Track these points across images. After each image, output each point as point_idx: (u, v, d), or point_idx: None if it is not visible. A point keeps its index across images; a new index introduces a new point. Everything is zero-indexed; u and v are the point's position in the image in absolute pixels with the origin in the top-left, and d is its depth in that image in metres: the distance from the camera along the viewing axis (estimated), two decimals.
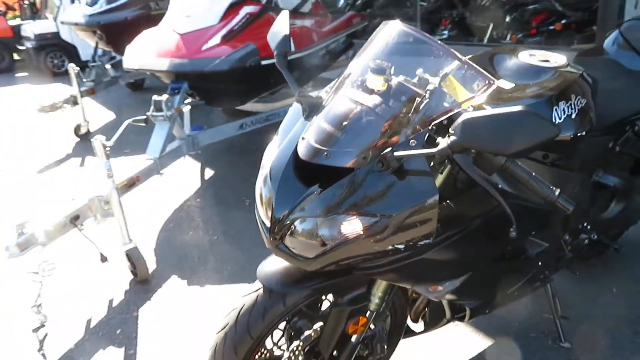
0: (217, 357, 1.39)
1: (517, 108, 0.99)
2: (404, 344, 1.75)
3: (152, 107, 3.14)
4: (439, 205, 1.17)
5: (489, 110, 1.00)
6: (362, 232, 1.15)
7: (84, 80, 5.47)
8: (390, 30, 1.32)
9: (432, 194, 1.12)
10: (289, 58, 1.49)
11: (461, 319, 1.62)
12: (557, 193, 1.13)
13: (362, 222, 1.14)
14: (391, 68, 1.27)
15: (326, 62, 4.82)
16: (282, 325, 1.50)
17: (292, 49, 3.74)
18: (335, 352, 1.49)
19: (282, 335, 1.51)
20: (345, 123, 1.22)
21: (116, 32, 5.64)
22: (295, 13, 4.65)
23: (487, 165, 1.15)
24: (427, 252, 1.24)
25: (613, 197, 2.08)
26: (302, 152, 1.22)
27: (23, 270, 2.20)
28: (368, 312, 1.44)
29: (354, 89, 1.27)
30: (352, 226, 1.15)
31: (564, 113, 1.40)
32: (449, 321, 1.65)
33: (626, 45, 2.09)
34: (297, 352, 1.46)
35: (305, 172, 1.24)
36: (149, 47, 3.50)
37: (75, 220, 2.41)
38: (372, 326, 1.54)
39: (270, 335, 1.47)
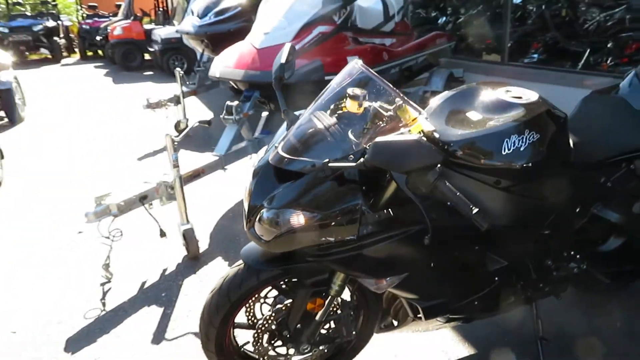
0: (205, 312, 1.75)
1: (413, 137, 1.23)
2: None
3: (224, 111, 3.63)
4: (382, 209, 1.44)
5: (392, 137, 1.26)
6: (304, 224, 1.45)
7: (188, 82, 6.22)
8: (353, 67, 1.61)
9: (355, 200, 1.39)
10: None
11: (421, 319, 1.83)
12: (474, 211, 1.34)
13: (304, 216, 1.45)
14: (365, 95, 1.55)
15: (400, 80, 5.04)
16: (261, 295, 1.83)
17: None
18: (299, 326, 1.78)
19: (260, 304, 1.84)
20: (305, 138, 1.53)
21: (220, 41, 6.30)
22: (373, 32, 4.95)
23: (419, 182, 1.39)
24: (367, 249, 1.50)
25: (612, 232, 2.14)
26: (271, 158, 1.55)
27: (97, 236, 2.73)
28: (329, 297, 1.72)
29: (319, 110, 1.57)
30: (298, 219, 1.45)
31: (514, 145, 1.57)
32: (414, 320, 1.86)
33: (638, 86, 2.15)
34: (269, 321, 1.78)
35: (282, 174, 1.56)
36: (230, 59, 4.02)
37: (143, 199, 2.93)
38: (339, 311, 1.82)
39: (248, 303, 1.80)
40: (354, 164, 1.34)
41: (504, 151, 1.57)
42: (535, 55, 6.35)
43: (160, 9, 14.15)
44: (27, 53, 14.87)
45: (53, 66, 14.04)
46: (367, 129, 1.50)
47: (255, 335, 1.79)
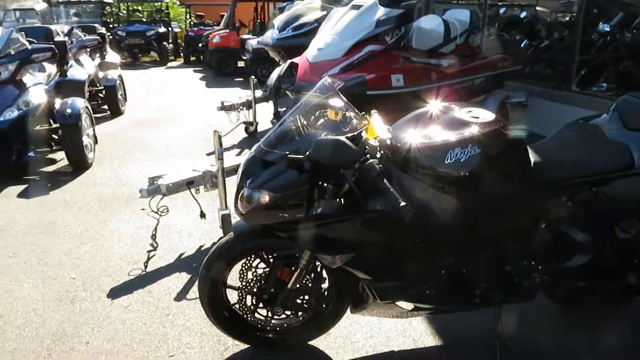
0: (201, 271, 2.18)
1: (339, 137, 1.58)
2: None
3: (273, 116, 4.10)
4: (336, 198, 1.80)
5: (325, 137, 1.61)
6: (268, 202, 1.83)
7: (263, 89, 6.81)
8: (323, 84, 1.97)
9: (303, 185, 1.76)
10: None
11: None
12: (400, 205, 1.66)
13: (269, 196, 1.83)
14: (342, 107, 1.93)
15: (452, 98, 5.23)
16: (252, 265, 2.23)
17: (401, 84, 4.34)
18: (273, 291, 2.15)
19: (248, 271, 2.24)
20: (280, 135, 1.92)
21: (295, 53, 6.83)
22: (430, 52, 5.21)
23: (364, 178, 1.74)
24: (319, 228, 1.86)
25: (578, 250, 2.29)
26: (255, 149, 1.96)
27: (148, 211, 3.27)
28: (299, 269, 2.09)
29: (295, 115, 1.95)
30: (264, 197, 1.84)
31: (456, 156, 1.86)
32: (374, 300, 2.16)
33: (617, 117, 2.29)
34: (251, 285, 2.18)
35: (267, 163, 1.96)
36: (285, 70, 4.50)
37: (190, 184, 3.45)
38: (309, 284, 2.18)
39: (241, 268, 2.20)
40: (302, 157, 1.72)
41: (447, 160, 1.86)
42: (605, 84, 6.24)
43: (258, 21, 15.17)
44: (139, 55, 16.62)
45: (159, 68, 15.51)
46: (328, 131, 1.86)
47: (240, 295, 2.20)
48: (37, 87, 5.19)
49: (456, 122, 1.98)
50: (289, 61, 2.16)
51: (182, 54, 18.04)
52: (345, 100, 1.91)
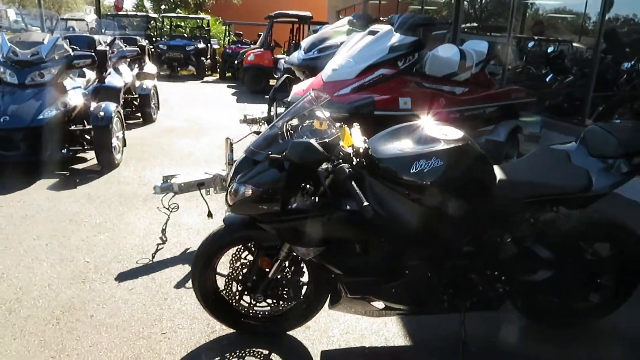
0: (194, 257, 2.44)
1: (309, 141, 1.84)
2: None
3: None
4: (311, 196, 2.05)
5: (299, 140, 1.87)
6: (250, 195, 2.09)
7: (284, 106, 7.14)
8: (307, 97, 2.24)
9: (279, 183, 2.01)
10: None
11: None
12: (363, 205, 1.89)
13: (251, 190, 2.09)
14: (327, 117, 2.19)
15: (461, 125, 5.41)
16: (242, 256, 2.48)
17: (408, 106, 4.57)
18: (255, 278, 2.40)
19: (236, 260, 2.49)
20: (268, 138, 2.18)
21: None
22: (443, 79, 5.44)
23: (336, 179, 1.99)
24: (295, 222, 2.10)
25: (542, 265, 2.46)
26: (246, 150, 2.23)
27: (159, 207, 3.57)
28: (279, 260, 2.33)
29: (281, 121, 2.22)
30: (248, 191, 2.11)
31: (420, 167, 2.08)
32: (347, 296, 2.38)
33: (583, 144, 2.48)
34: (236, 272, 2.43)
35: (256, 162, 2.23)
36: (302, 88, 4.79)
37: (201, 185, 3.74)
38: (288, 275, 2.42)
39: (231, 256, 2.45)
40: (280, 157, 1.98)
41: (412, 170, 2.09)
42: (619, 120, 6.32)
43: (293, 42, 15.69)
44: (178, 68, 17.34)
45: (195, 82, 16.12)
46: (307, 136, 2.12)
47: (227, 282, 2.45)
48: (75, 91, 5.64)
49: (426, 137, 2.21)
50: (284, 75, 2.43)
51: (218, 70, 18.70)
52: (323, 111, 2.16)
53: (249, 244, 2.43)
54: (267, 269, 2.37)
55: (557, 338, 2.65)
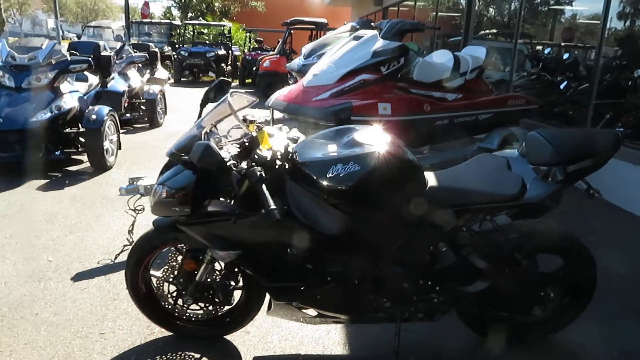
0: (129, 252, 2.45)
1: (208, 142, 1.82)
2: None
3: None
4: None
5: (201, 142, 1.86)
6: (165, 196, 2.09)
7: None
8: (225, 101, 2.22)
9: (190, 185, 2.00)
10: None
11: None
12: (269, 207, 1.87)
13: (166, 191, 2.09)
14: (255, 121, 2.19)
15: (452, 131, 5.31)
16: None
17: (387, 112, 4.51)
18: (182, 280, 2.39)
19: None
20: (186, 141, 2.18)
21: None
22: (433, 86, 5.36)
23: (248, 181, 1.97)
24: (208, 224, 2.09)
25: (478, 276, 2.37)
26: (167, 153, 2.23)
27: (125, 209, 3.61)
28: (205, 263, 2.32)
29: (201, 125, 2.21)
30: (163, 192, 2.11)
31: (337, 171, 2.04)
32: (276, 302, 2.34)
33: (523, 151, 2.39)
34: (167, 273, 2.43)
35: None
36: (283, 92, 4.79)
37: None
38: (218, 279, 2.40)
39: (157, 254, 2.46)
40: (187, 157, 1.97)
41: (329, 174, 2.05)
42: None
43: None
44: (200, 74, 17.64)
45: None
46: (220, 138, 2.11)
47: (158, 283, 2.45)
48: (71, 94, 5.78)
49: (352, 141, 2.16)
50: (220, 79, 2.41)
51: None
52: (236, 113, 2.14)
53: (180, 246, 2.43)
54: (195, 272, 2.36)
55: (502, 352, 2.56)
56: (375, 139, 2.18)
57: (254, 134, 2.13)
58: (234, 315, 2.54)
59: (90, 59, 5.98)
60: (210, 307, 2.49)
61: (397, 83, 4.87)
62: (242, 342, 2.61)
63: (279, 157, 2.12)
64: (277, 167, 2.14)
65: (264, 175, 1.97)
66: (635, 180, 4.87)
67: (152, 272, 2.51)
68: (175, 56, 17.53)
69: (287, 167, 2.15)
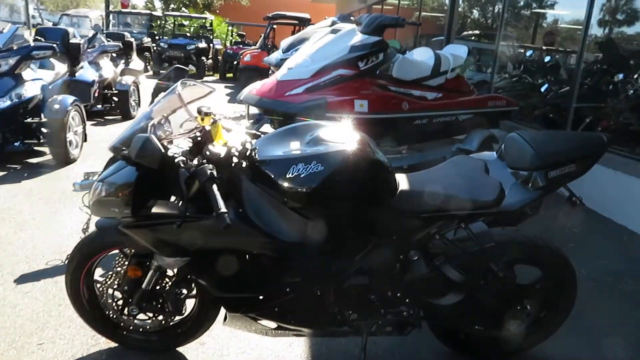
0: (69, 256, 2.22)
1: (149, 135, 1.61)
2: None
3: None
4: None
5: (141, 135, 1.64)
6: (104, 195, 1.87)
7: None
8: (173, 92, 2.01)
9: (130, 181, 1.78)
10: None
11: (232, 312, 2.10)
12: (220, 211, 1.66)
13: (104, 190, 1.87)
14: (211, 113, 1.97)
15: (430, 131, 5.14)
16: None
17: (364, 109, 4.32)
18: (126, 288, 2.16)
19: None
20: (129, 135, 1.96)
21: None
22: (413, 83, 5.18)
23: (197, 181, 1.76)
24: (151, 228, 1.87)
25: (452, 288, 2.20)
26: (109, 147, 2.01)
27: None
28: (151, 270, 2.09)
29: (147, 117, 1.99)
30: (102, 191, 1.88)
31: (297, 171, 1.83)
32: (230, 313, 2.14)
33: (502, 154, 2.22)
34: (110, 279, 2.20)
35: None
36: (257, 86, 4.57)
37: None
38: (167, 287, 2.18)
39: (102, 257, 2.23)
40: (126, 152, 1.75)
41: (288, 175, 1.84)
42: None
43: None
44: None
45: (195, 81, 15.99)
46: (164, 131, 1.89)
47: (101, 290, 2.22)
48: (34, 82, 5.47)
49: (317, 139, 1.97)
50: (175, 66, 2.22)
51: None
52: (186, 105, 1.93)
53: (127, 250, 2.21)
54: (142, 279, 2.14)
55: None
56: (343, 136, 1.98)
57: (208, 128, 1.92)
58: (187, 326, 2.32)
59: (55, 45, 5.67)
60: (160, 317, 2.27)
61: (376, 80, 4.68)
62: (195, 354, 2.40)
63: (235, 153, 1.91)
64: (232, 165, 1.93)
65: (215, 174, 1.76)
66: (615, 186, 4.77)
67: (95, 277, 2.29)
68: (155, 48, 17.13)
69: (244, 165, 1.95)
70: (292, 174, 1.84)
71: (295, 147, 1.96)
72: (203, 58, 17.12)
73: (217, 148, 1.87)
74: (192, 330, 2.33)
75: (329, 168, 1.85)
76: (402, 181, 2.10)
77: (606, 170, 4.80)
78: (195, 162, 1.80)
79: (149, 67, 16.91)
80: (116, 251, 2.25)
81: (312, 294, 2.05)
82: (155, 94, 2.25)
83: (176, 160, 1.78)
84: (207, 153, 1.84)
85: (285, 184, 1.85)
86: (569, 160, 2.06)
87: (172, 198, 2.01)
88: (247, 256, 1.95)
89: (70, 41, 6.87)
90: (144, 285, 2.13)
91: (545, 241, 2.26)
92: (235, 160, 1.94)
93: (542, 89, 8.51)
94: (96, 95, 7.36)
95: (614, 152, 5.07)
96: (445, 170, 2.22)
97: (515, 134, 2.16)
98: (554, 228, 4.00)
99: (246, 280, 1.98)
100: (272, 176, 1.87)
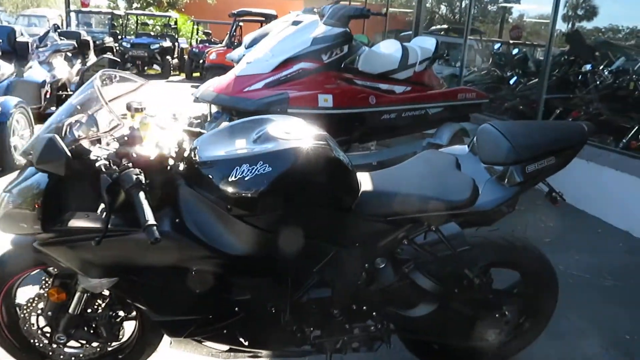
0: None
1: (52, 135, 1.34)
2: None
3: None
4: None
5: (44, 135, 1.37)
6: (11, 208, 1.58)
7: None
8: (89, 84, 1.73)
9: (39, 190, 1.50)
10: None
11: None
12: (147, 224, 1.39)
13: (11, 203, 1.58)
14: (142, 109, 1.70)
15: (400, 126, 4.94)
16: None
17: (329, 104, 4.09)
18: (50, 314, 1.87)
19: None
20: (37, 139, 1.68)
21: None
22: (380, 77, 4.96)
23: (121, 187, 1.49)
24: (70, 244, 1.59)
25: (423, 297, 1.98)
26: (20, 153, 1.71)
27: None
28: (77, 293, 1.81)
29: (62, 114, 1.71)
30: (8, 203, 1.59)
31: (241, 174, 1.58)
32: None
33: (474, 148, 2.01)
34: (33, 303, 1.90)
35: None
36: (214, 83, 4.28)
37: None
38: (99, 309, 1.90)
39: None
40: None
41: (231, 177, 1.59)
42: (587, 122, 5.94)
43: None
44: (144, 67, 16.74)
45: (160, 81, 15.51)
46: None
47: (22, 314, 1.92)
48: None
49: (264, 135, 1.71)
50: (102, 56, 1.96)
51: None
52: (105, 100, 1.65)
53: (52, 269, 1.91)
54: (68, 303, 1.85)
55: None
56: (295, 132, 1.73)
57: (136, 126, 1.65)
58: (127, 352, 2.04)
59: None
60: (95, 344, 1.98)
61: (340, 73, 4.44)
62: None
63: (171, 155, 1.64)
64: (167, 168, 1.66)
65: (143, 179, 1.50)
66: (587, 178, 4.65)
67: (18, 301, 1.99)
68: (118, 47, 16.57)
69: (181, 168, 1.68)
70: (235, 177, 1.58)
71: (240, 145, 1.70)
72: (168, 57, 16.64)
73: (146, 149, 1.60)
74: (133, 356, 2.05)
75: (278, 169, 1.60)
76: (365, 181, 1.87)
77: (578, 161, 4.66)
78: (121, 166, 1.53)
79: (115, 68, 16.37)
80: (39, 270, 1.95)
81: (265, 312, 1.80)
82: (80, 82, 1.96)
83: (97, 164, 1.51)
84: (134, 155, 1.57)
85: (228, 189, 1.59)
86: (547, 152, 1.85)
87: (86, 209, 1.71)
88: (186, 273, 1.68)
89: (17, 39, 6.45)
90: (70, 310, 1.84)
91: (523, 241, 2.06)
92: (171, 162, 1.68)
93: (511, 82, 8.51)
94: (48, 96, 6.93)
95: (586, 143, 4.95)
96: (412, 167, 2.00)
97: (489, 125, 1.95)
98: (527, 223, 3.84)
99: (186, 300, 1.71)
100: (213, 180, 1.61)
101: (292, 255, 1.72)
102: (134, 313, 1.97)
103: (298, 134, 1.72)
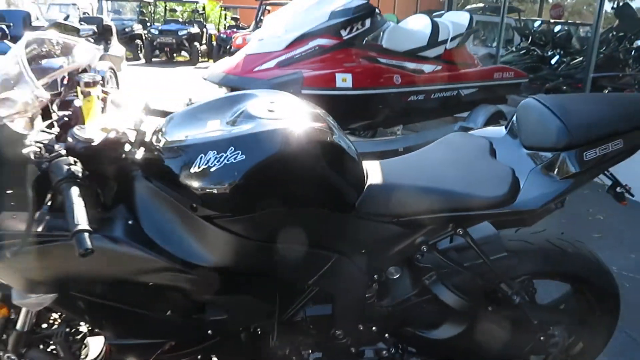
0: None
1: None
2: None
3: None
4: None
5: None
6: None
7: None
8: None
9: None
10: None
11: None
12: (77, 228, 1.06)
13: None
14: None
15: (431, 108, 4.52)
16: None
17: (348, 84, 3.69)
18: None
19: None
20: None
21: None
22: (407, 55, 4.54)
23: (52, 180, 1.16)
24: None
25: (448, 316, 1.59)
26: None
27: None
28: (26, 310, 1.50)
29: None
30: None
31: (206, 163, 1.22)
32: None
33: (514, 129, 1.58)
34: None
35: None
36: (223, 63, 3.94)
37: None
38: (56, 324, 1.59)
39: None
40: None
41: (194, 168, 1.23)
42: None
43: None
44: (174, 54, 16.67)
45: (188, 68, 15.38)
46: None
47: None
48: None
49: (243, 114, 1.35)
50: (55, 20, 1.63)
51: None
52: (27, 69, 1.30)
53: None
54: (14, 318, 1.54)
55: None
56: (282, 110, 1.35)
57: (78, 104, 1.32)
58: None
59: (4, 27, 5.08)
60: None
61: (362, 51, 4.03)
62: None
63: (125, 139, 1.30)
64: (121, 156, 1.32)
65: (79, 170, 1.16)
66: None
67: None
68: (146, 35, 16.51)
69: (137, 156, 1.33)
70: (198, 167, 1.22)
71: (212, 127, 1.34)
72: (196, 44, 16.50)
73: (88, 132, 1.25)
74: None
75: (254, 157, 1.23)
76: (373, 172, 1.48)
77: None
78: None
79: (140, 55, 16.31)
80: None
81: (247, 335, 1.45)
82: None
83: (25, 150, 1.18)
84: (69, 140, 1.23)
85: (191, 182, 1.24)
86: (612, 133, 1.41)
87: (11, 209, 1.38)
88: (144, 289, 1.34)
89: (33, 24, 6.27)
90: (18, 326, 1.53)
91: (576, 246, 1.64)
92: (127, 149, 1.33)
93: (553, 61, 8.00)
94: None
95: None
96: (433, 154, 1.60)
97: (533, 99, 1.52)
98: (572, 215, 3.38)
99: (147, 322, 1.37)
100: (173, 170, 1.26)
101: (278, 266, 1.36)
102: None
103: (285, 112, 1.34)
